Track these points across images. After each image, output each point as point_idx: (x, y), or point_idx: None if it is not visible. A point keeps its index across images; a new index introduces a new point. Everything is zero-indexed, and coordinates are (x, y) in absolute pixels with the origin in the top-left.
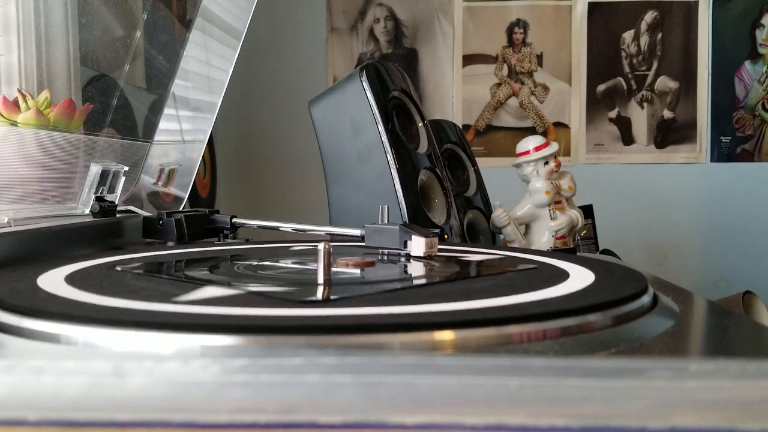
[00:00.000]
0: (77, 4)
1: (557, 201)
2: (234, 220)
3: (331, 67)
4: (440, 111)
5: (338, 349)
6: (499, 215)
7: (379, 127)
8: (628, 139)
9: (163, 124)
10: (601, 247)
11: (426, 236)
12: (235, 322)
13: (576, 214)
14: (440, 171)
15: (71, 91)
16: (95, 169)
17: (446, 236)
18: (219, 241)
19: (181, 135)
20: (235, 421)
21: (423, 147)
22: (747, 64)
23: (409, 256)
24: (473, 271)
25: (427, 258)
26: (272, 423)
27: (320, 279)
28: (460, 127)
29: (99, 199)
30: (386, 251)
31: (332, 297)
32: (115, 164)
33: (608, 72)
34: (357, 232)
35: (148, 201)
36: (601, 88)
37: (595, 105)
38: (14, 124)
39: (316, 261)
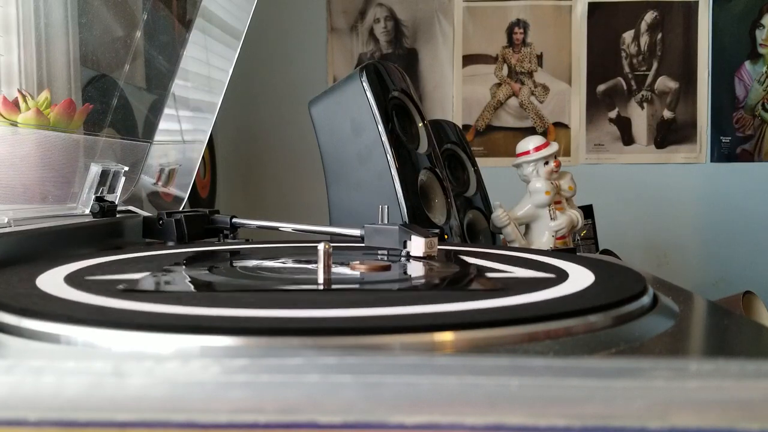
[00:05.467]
0: (77, 4)
1: (557, 201)
2: (234, 220)
3: (331, 67)
4: (440, 111)
5: (338, 350)
6: (499, 215)
7: (379, 127)
8: (628, 139)
9: (163, 124)
10: (601, 247)
11: (425, 236)
12: (235, 323)
13: (576, 214)
14: (440, 171)
15: (71, 91)
16: (95, 169)
17: (446, 236)
18: (219, 241)
19: (181, 135)
20: (235, 421)
21: (423, 147)
22: (747, 64)
23: (409, 256)
24: (473, 272)
25: (427, 258)
26: (272, 423)
27: (320, 279)
28: (460, 127)
29: (99, 199)
30: (387, 251)
31: (332, 297)
32: (115, 164)
33: (608, 72)
34: (357, 232)
35: (148, 201)
36: (601, 88)
37: (595, 105)
38: (14, 124)
39: (316, 261)
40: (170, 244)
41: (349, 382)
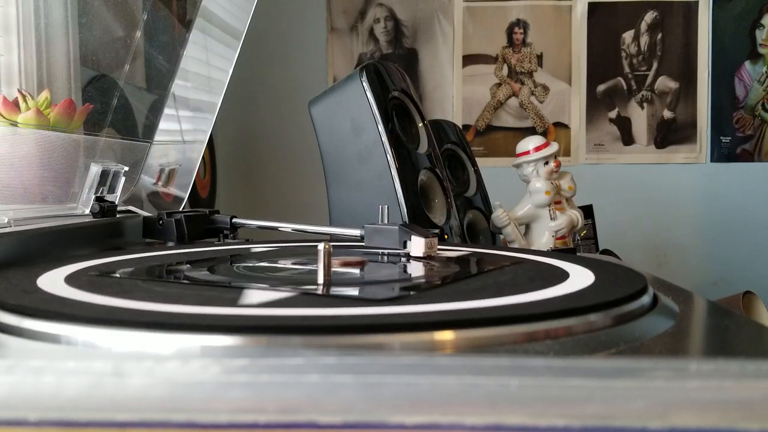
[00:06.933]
0: (77, 4)
1: (557, 201)
2: (234, 220)
3: (331, 67)
4: (440, 111)
5: (338, 349)
6: (499, 215)
7: (379, 127)
8: (628, 139)
9: (163, 124)
10: (601, 247)
11: (425, 236)
12: (235, 322)
13: (576, 214)
14: (440, 171)
15: (71, 91)
16: (95, 169)
17: (446, 236)
18: (219, 241)
19: (181, 135)
20: (235, 421)
21: (423, 147)
22: (747, 64)
23: (408, 256)
24: (473, 271)
25: (426, 258)
26: (272, 423)
27: (320, 279)
28: (460, 127)
29: (99, 199)
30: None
31: (332, 297)
32: (115, 164)
33: (608, 72)
34: (357, 232)
35: (148, 201)
36: (601, 88)
37: (595, 105)
38: (14, 124)
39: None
40: (170, 244)
41: (349, 382)
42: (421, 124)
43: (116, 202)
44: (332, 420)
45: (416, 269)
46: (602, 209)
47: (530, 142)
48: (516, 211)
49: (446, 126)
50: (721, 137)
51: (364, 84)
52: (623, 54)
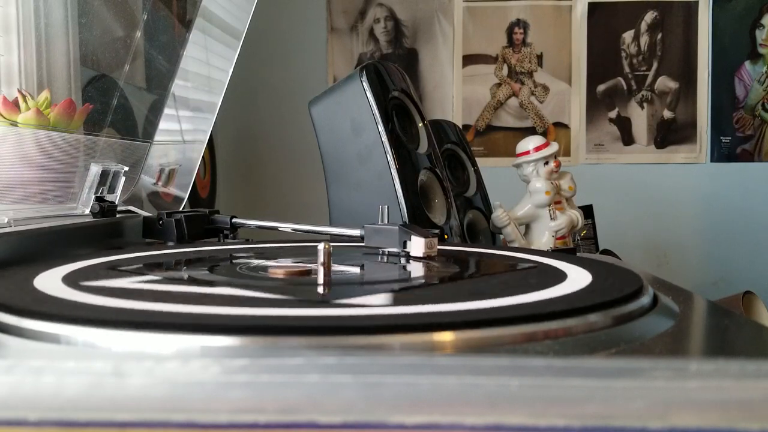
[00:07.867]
0: (77, 4)
1: (557, 201)
2: (234, 220)
3: (331, 67)
4: (440, 111)
5: (338, 350)
6: (499, 215)
7: (379, 127)
8: (628, 139)
9: (163, 124)
10: (601, 247)
11: (425, 236)
12: (235, 322)
13: (576, 214)
14: (440, 171)
15: (71, 91)
16: (95, 169)
17: (446, 236)
18: (219, 241)
19: (181, 135)
20: (235, 421)
21: (423, 147)
22: (747, 64)
23: (408, 256)
24: (473, 271)
25: (426, 258)
26: (272, 423)
27: (320, 279)
28: (460, 127)
29: (99, 199)
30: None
31: (332, 297)
32: (115, 164)
33: (608, 72)
34: (357, 232)
35: (148, 201)
36: (601, 88)
37: (595, 105)
38: (14, 124)
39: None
40: (170, 244)
41: (349, 382)
42: (421, 124)
43: (116, 202)
44: (332, 420)
45: (416, 269)
46: (602, 209)
47: (530, 142)
48: (516, 211)
49: (446, 126)
50: (721, 137)
51: (364, 84)
52: (623, 54)
